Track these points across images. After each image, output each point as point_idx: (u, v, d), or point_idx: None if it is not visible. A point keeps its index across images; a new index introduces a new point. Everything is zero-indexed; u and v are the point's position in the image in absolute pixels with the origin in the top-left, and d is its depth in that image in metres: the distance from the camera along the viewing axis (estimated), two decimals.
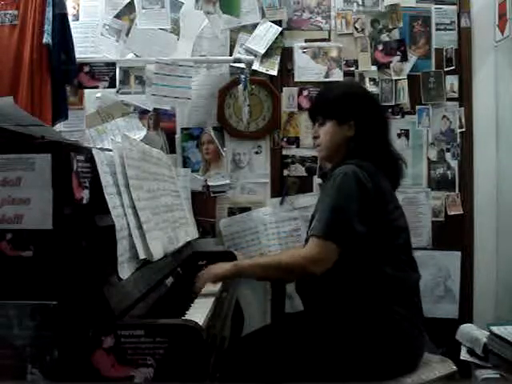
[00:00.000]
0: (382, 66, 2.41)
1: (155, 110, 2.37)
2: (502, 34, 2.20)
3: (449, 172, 2.41)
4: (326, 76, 2.40)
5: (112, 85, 2.26)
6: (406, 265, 1.53)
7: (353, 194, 1.44)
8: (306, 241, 1.54)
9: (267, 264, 1.56)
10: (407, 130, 2.41)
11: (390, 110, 2.38)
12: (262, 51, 2.36)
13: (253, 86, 2.34)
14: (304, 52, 2.42)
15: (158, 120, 2.40)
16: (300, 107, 2.41)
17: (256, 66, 2.36)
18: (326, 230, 1.43)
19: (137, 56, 2.36)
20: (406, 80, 2.39)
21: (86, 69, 2.23)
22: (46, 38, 1.99)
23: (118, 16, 2.37)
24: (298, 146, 2.42)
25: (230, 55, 2.38)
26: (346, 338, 1.41)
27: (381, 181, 1.51)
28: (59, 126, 2.18)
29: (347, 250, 1.44)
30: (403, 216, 1.58)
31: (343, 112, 1.60)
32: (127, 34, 2.36)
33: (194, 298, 1.46)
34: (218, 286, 1.59)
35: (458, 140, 2.41)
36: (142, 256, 1.26)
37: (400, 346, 1.42)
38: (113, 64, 2.26)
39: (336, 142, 1.61)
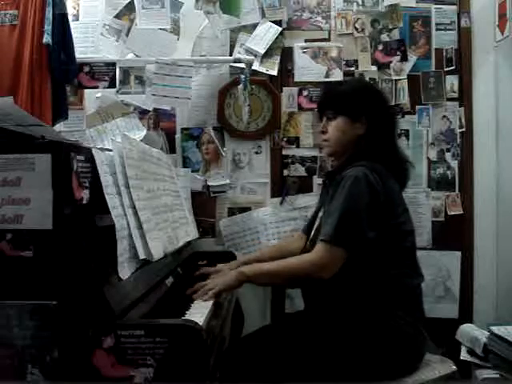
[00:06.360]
0: (382, 66, 2.40)
1: (155, 110, 2.37)
2: (502, 34, 2.20)
3: (449, 172, 2.41)
4: (326, 76, 2.40)
5: (112, 85, 2.26)
6: (411, 268, 1.53)
7: (363, 198, 1.42)
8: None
9: (274, 271, 1.51)
10: (407, 130, 2.40)
11: None
12: (262, 51, 2.36)
13: (253, 86, 2.34)
14: (304, 52, 2.41)
15: (158, 120, 2.40)
16: (300, 107, 2.41)
17: (256, 66, 2.36)
18: (334, 235, 1.42)
19: (137, 56, 2.36)
20: (406, 80, 2.38)
21: (86, 69, 2.23)
22: (46, 38, 1.99)
23: (117, 16, 2.36)
24: (298, 146, 2.42)
25: (230, 55, 2.38)
26: (347, 339, 1.41)
27: (391, 183, 1.50)
28: (59, 126, 2.18)
29: (354, 253, 1.44)
30: (410, 219, 1.57)
31: (356, 107, 1.56)
32: (127, 34, 2.36)
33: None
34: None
35: (458, 140, 2.41)
36: (142, 256, 1.26)
37: (401, 349, 1.42)
38: (113, 64, 2.26)
39: (346, 139, 1.58)
